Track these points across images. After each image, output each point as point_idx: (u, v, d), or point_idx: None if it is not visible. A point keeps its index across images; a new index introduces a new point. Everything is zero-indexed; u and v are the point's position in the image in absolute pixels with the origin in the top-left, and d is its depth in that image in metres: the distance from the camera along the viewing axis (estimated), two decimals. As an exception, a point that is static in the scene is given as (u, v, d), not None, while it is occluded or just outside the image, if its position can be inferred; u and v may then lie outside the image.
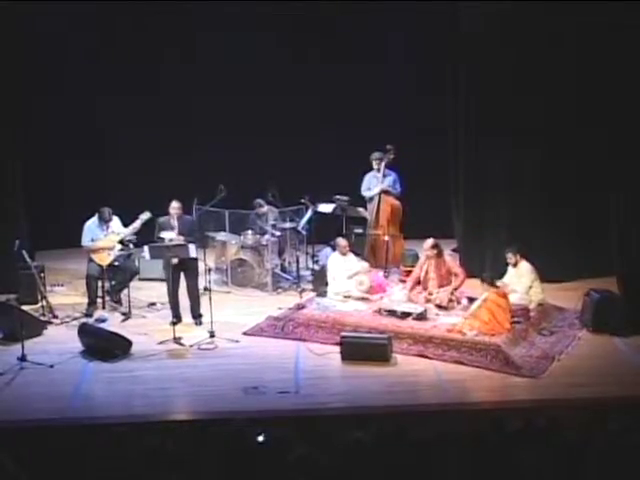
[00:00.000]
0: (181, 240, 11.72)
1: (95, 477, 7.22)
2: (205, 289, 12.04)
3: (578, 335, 11.40)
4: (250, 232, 13.45)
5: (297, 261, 13.37)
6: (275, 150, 14.68)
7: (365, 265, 12.68)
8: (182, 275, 11.92)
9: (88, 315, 12.20)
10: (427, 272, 12.09)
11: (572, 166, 12.92)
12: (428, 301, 11.86)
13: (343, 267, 12.45)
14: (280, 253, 13.70)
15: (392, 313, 11.58)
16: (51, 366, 10.63)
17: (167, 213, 12.00)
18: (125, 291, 12.41)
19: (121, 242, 12.39)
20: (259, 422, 8.39)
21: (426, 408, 9.68)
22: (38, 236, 13.85)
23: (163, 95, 14.59)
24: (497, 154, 13.13)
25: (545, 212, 13.10)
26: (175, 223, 11.94)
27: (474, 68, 13.11)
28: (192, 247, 11.58)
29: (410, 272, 12.44)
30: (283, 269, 13.57)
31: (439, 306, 11.77)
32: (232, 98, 14.60)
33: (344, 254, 12.54)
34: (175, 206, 11.98)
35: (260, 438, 7.44)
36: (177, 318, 11.89)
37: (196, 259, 11.91)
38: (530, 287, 11.97)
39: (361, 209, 13.71)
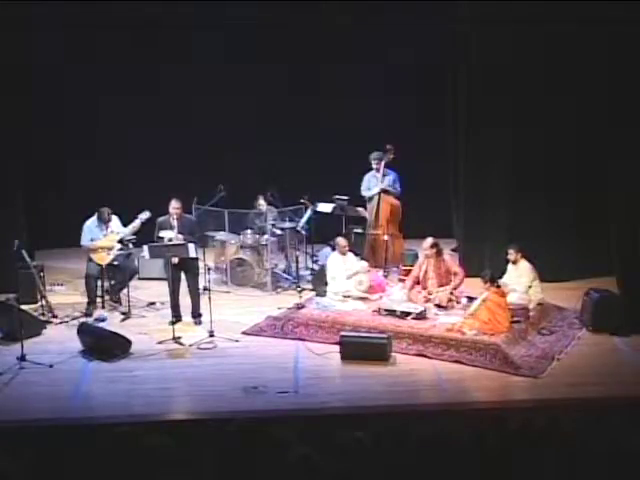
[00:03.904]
0: (180, 239, 11.71)
1: (95, 477, 7.22)
2: (205, 289, 12.04)
3: (578, 335, 11.40)
4: (249, 232, 13.46)
5: (297, 261, 13.37)
6: (275, 150, 14.69)
7: (364, 265, 12.67)
8: (182, 275, 11.92)
9: (88, 314, 12.20)
10: (426, 271, 12.09)
11: (572, 166, 12.93)
12: (427, 300, 11.86)
13: (342, 267, 12.45)
14: (286, 255, 13.66)
15: (391, 313, 11.58)
16: (51, 366, 10.63)
17: (167, 213, 11.98)
18: (125, 290, 12.42)
19: (120, 242, 12.40)
20: (259, 422, 8.39)
21: (426, 408, 9.68)
22: (38, 236, 13.86)
23: (163, 95, 14.59)
24: (497, 154, 13.14)
25: (545, 212, 13.10)
26: (175, 223, 11.92)
27: (474, 68, 13.12)
28: (192, 247, 11.57)
29: (409, 272, 12.44)
30: (288, 272, 13.52)
31: (438, 305, 11.77)
32: (232, 98, 14.60)
33: (344, 254, 12.54)
34: (175, 206, 11.95)
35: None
36: (177, 318, 11.89)
37: (196, 259, 11.90)
38: (529, 287, 11.98)
39: (360, 209, 13.72)
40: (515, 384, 10.22)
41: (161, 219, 11.98)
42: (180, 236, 11.79)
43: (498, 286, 11.38)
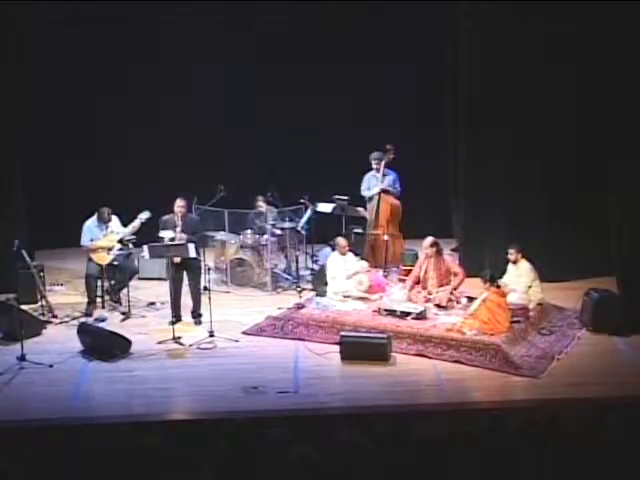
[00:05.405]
0: (182, 239, 11.71)
1: (95, 477, 7.23)
2: (205, 288, 12.03)
3: (578, 335, 11.39)
4: (249, 232, 13.46)
5: (297, 261, 13.37)
6: (275, 150, 14.69)
7: (364, 265, 12.67)
8: (184, 274, 11.92)
9: (88, 314, 12.19)
10: (426, 271, 12.09)
11: (572, 166, 12.92)
12: (427, 300, 11.86)
13: (342, 267, 12.45)
14: (286, 255, 13.66)
15: (391, 313, 11.58)
16: (50, 366, 10.63)
17: (171, 211, 11.98)
18: (125, 290, 12.42)
19: (120, 242, 12.40)
20: (259, 422, 8.40)
21: (426, 408, 9.66)
22: (38, 236, 13.85)
23: (163, 95, 14.57)
24: (497, 154, 13.12)
25: (545, 212, 13.10)
26: (179, 222, 11.93)
27: (474, 68, 13.11)
28: (191, 247, 11.56)
29: (409, 271, 12.44)
30: (288, 272, 13.51)
31: (438, 305, 11.76)
32: (232, 98, 14.60)
33: (343, 254, 12.54)
34: (180, 204, 11.93)
35: None
36: (177, 318, 11.89)
37: (198, 259, 11.89)
38: (529, 287, 11.97)
39: (360, 209, 13.71)
40: (515, 384, 10.21)
41: (165, 217, 11.98)
42: (184, 235, 11.78)
43: (498, 286, 11.38)
